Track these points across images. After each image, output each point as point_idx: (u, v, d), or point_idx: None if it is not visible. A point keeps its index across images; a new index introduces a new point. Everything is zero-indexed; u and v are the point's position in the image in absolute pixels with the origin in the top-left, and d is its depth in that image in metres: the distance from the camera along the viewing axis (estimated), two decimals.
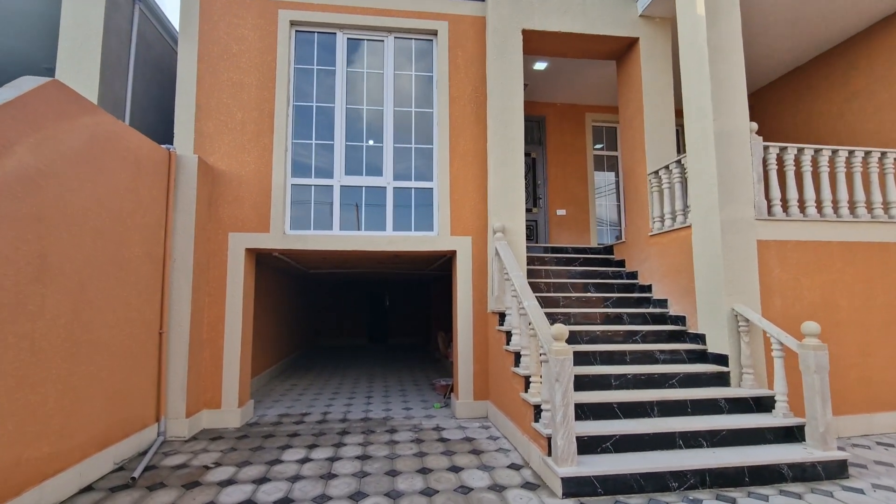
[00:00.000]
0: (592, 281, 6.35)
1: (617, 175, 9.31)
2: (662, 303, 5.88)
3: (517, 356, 4.80)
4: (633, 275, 6.58)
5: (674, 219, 5.89)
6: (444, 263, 7.92)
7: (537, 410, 4.10)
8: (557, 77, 8.14)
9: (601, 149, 9.38)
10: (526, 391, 4.40)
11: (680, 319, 5.52)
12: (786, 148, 5.21)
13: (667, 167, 5.91)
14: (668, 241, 5.81)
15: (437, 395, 7.20)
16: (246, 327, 5.72)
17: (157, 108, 6.71)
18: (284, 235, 5.78)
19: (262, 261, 7.31)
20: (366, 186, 6.15)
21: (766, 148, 5.16)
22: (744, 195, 4.96)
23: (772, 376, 4.78)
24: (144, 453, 4.43)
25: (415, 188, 6.24)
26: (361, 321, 15.99)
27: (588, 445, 3.79)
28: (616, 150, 9.44)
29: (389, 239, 5.93)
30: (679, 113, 8.00)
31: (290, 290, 10.78)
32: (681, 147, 9.01)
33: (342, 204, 6.08)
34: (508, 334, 5.12)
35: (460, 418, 5.78)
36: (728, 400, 4.40)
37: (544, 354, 3.84)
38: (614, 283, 6.40)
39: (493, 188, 5.95)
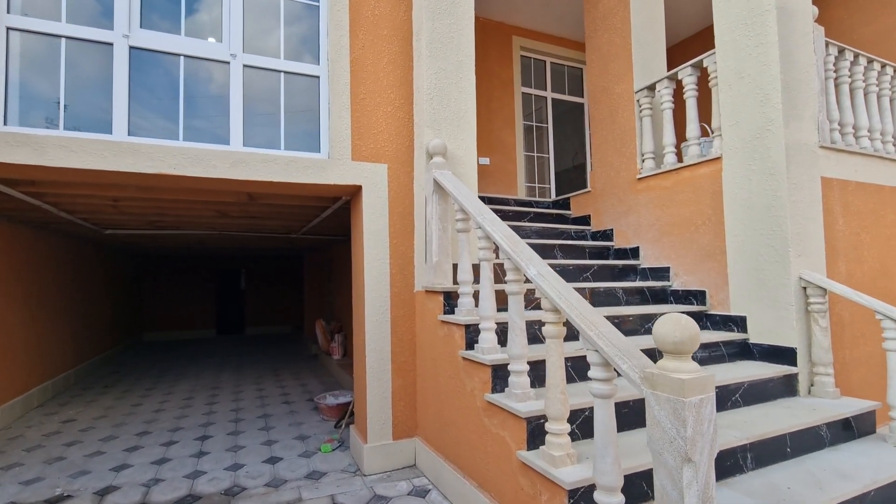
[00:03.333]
0: (556, 243, 4.35)
1: (543, 121, 7.50)
2: (660, 273, 4.13)
3: (495, 372, 2.54)
4: (606, 234, 4.76)
5: (683, 152, 4.13)
6: (332, 217, 5.25)
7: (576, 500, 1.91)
8: None
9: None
10: (529, 449, 2.19)
11: (694, 296, 3.81)
12: (856, 56, 3.72)
13: (672, 78, 4.10)
14: (673, 185, 4.04)
15: (322, 422, 4.64)
16: None
17: None
18: None
19: None
20: (187, 57, 3.23)
21: (826, 46, 3.60)
22: (807, 110, 3.32)
23: (847, 377, 3.29)
24: None
25: (285, 73, 3.49)
26: (207, 307, 12.25)
27: None
28: (545, 90, 7.62)
29: (235, 158, 3.15)
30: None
31: (83, 266, 6.99)
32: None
33: (136, 86, 3.09)
34: (466, 330, 2.83)
35: (371, 475, 3.36)
36: (828, 425, 2.73)
37: (603, 383, 1.66)
38: (584, 246, 4.49)
39: (426, 84, 3.52)
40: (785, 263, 3.16)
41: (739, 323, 3.45)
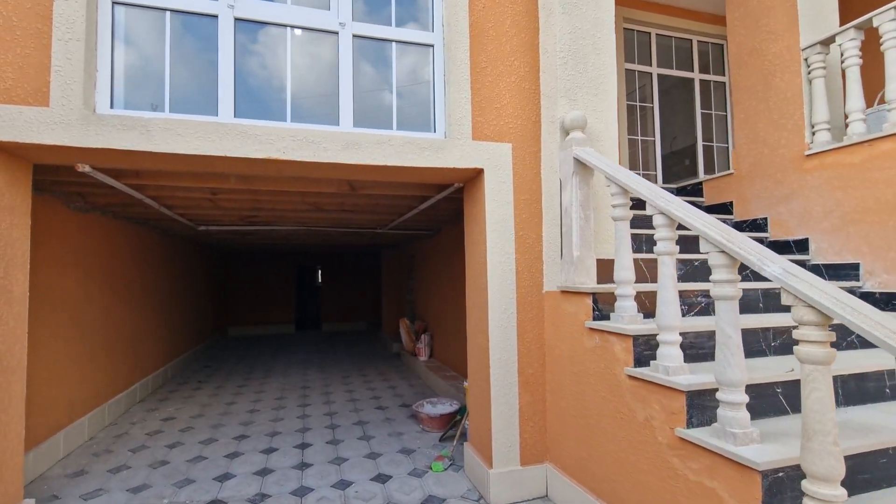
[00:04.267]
0: (695, 235, 3.63)
1: (647, 100, 6.67)
2: (845, 270, 3.31)
3: (691, 401, 1.94)
4: (757, 225, 3.96)
5: (878, 119, 3.29)
6: (426, 210, 4.84)
7: None
8: None
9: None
10: None
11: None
12: None
13: (860, 27, 3.25)
14: (865, 161, 3.20)
15: (423, 433, 4.24)
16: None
17: None
18: (93, 118, 2.43)
19: (67, 190, 3.81)
20: (293, 27, 2.90)
21: None
22: None
23: None
24: None
25: (396, 42, 3.08)
26: (286, 303, 12.45)
27: None
28: (650, 65, 6.78)
29: (347, 140, 2.77)
30: None
31: (180, 262, 7.14)
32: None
33: (242, 61, 2.80)
34: (634, 342, 2.25)
35: None
36: None
37: None
38: None
39: (558, 46, 2.97)
40: None
41: None
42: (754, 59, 4.02)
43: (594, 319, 2.56)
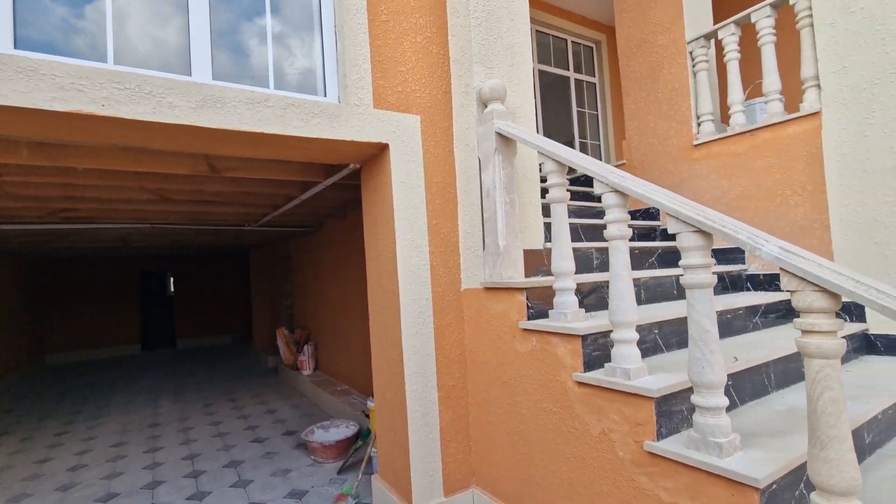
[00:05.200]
0: (598, 223, 3.56)
1: None
2: (731, 255, 3.48)
3: (659, 408, 1.66)
4: (650, 213, 4.05)
5: (756, 110, 3.50)
6: (310, 200, 4.13)
7: None
8: None
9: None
10: None
11: (780, 281, 3.17)
12: None
13: (739, 22, 3.42)
14: (747, 150, 3.39)
15: (315, 466, 3.54)
16: None
17: None
18: None
19: None
20: None
21: None
22: None
23: None
24: None
25: None
26: (128, 318, 10.33)
27: None
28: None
29: (204, 95, 2.01)
30: None
31: None
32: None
33: None
34: (584, 343, 1.94)
35: None
36: None
37: None
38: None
39: (470, 6, 2.56)
40: None
41: (854, 311, 2.86)
42: (642, 51, 4.11)
43: (529, 319, 2.21)
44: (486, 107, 2.50)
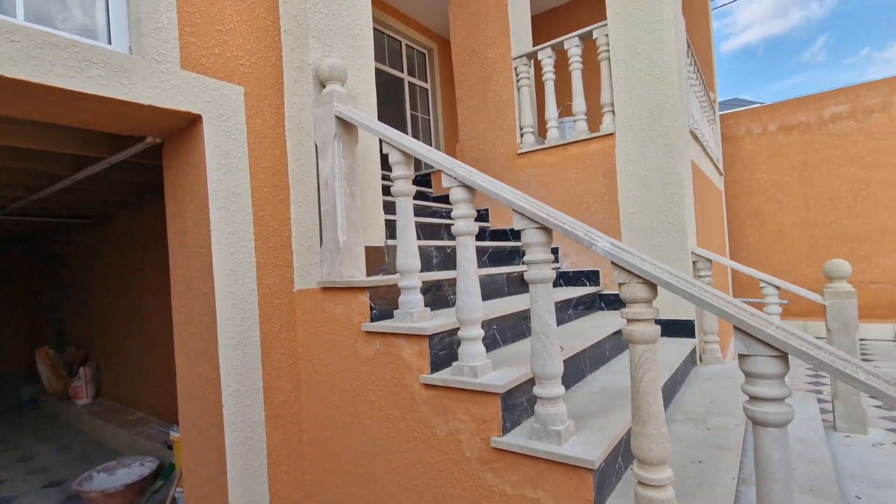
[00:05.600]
0: (433, 221, 3.63)
1: None
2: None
3: (505, 403, 1.66)
4: (480, 215, 4.28)
5: (567, 127, 3.96)
6: (103, 180, 3.26)
7: None
8: None
9: None
10: None
11: (587, 277, 3.67)
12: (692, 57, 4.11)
13: (555, 47, 3.84)
14: (561, 161, 3.82)
15: None
16: None
17: None
18: None
19: None
20: None
21: None
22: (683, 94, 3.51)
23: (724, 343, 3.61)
24: None
25: None
26: None
27: None
28: None
29: None
30: None
31: None
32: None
33: None
34: (430, 342, 1.86)
35: None
36: None
37: None
38: None
39: None
40: (682, 238, 3.24)
41: (592, 278, 3.47)
42: (475, 60, 4.33)
43: (372, 321, 2.05)
44: (324, 87, 2.25)
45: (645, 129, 3.35)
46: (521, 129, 4.06)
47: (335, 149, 2.17)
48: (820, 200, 6.25)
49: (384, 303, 2.10)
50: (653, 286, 1.36)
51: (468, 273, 1.74)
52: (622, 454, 1.71)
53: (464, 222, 1.75)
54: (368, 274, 2.29)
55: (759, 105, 7.06)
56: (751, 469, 1.89)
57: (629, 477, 1.71)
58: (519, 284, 3.21)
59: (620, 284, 1.41)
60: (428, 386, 1.82)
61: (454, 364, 1.77)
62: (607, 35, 3.51)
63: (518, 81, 4.05)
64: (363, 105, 2.48)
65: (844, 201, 6.11)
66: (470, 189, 1.76)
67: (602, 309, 3.54)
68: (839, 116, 6.22)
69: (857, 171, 6.05)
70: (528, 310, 2.47)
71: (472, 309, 1.73)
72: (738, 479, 1.72)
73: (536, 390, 1.59)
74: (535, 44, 4.53)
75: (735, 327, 1.22)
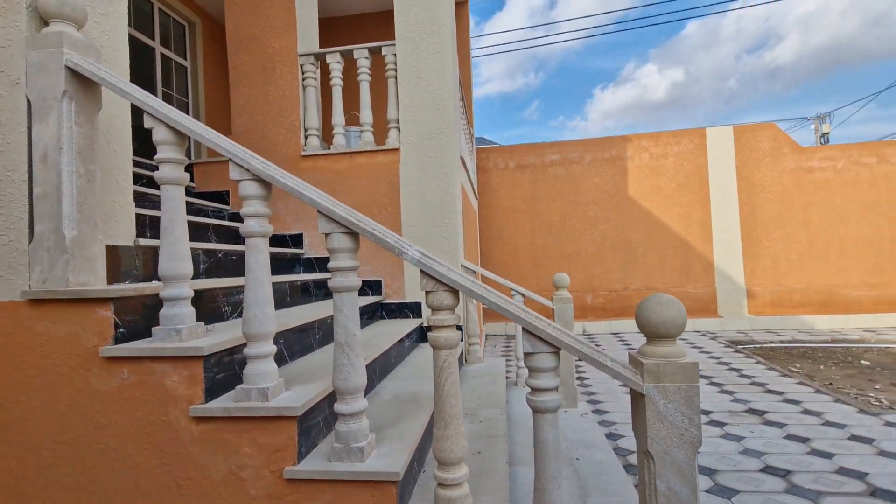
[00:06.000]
0: (198, 220, 3.11)
1: None
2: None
3: (301, 426, 1.48)
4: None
5: (353, 136, 3.92)
6: None
7: None
8: None
9: None
10: None
11: (370, 286, 3.69)
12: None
13: (345, 54, 3.80)
14: (348, 169, 3.78)
15: None
16: None
17: None
18: None
19: None
20: None
21: None
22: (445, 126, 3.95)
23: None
24: None
25: None
26: None
27: None
28: None
29: None
30: None
31: None
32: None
33: None
34: (206, 364, 1.52)
35: None
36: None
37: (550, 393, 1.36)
38: (231, 228, 3.45)
39: None
40: (455, 251, 3.61)
41: (414, 309, 3.65)
42: (255, 47, 3.92)
43: (118, 342, 1.56)
44: (46, 24, 1.65)
45: (427, 149, 3.62)
46: (306, 130, 3.86)
47: (64, 111, 1.60)
48: (542, 227, 7.95)
49: (136, 319, 1.64)
50: (457, 294, 1.44)
51: (260, 281, 1.51)
52: (417, 459, 1.74)
53: (256, 222, 1.52)
54: (111, 281, 1.76)
55: (501, 145, 8.58)
56: (514, 452, 2.19)
57: (423, 480, 1.75)
58: (302, 294, 3.00)
59: (428, 292, 1.44)
60: (201, 419, 1.49)
61: (238, 388, 1.50)
62: (395, 55, 3.67)
63: (304, 81, 3.85)
64: (112, 63, 1.92)
65: (556, 229, 7.93)
66: (266, 185, 1.54)
67: (384, 318, 3.61)
68: (554, 163, 8.07)
69: (564, 206, 7.94)
70: (317, 321, 2.33)
71: (264, 322, 1.50)
72: (509, 461, 1.96)
73: (339, 407, 1.47)
74: (322, 46, 4.39)
75: (524, 329, 1.38)
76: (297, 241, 3.79)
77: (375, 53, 3.79)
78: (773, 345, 6.20)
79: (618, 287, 7.78)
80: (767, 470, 2.78)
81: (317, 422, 1.61)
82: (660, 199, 7.70)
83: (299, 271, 3.65)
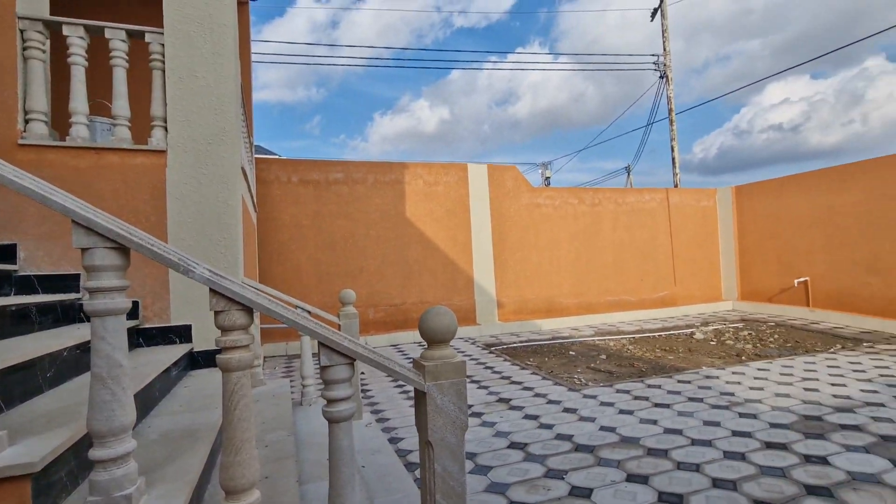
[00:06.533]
0: None
1: None
2: (61, 283, 2.97)
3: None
4: None
5: (100, 128, 3.23)
6: None
7: None
8: None
9: None
10: None
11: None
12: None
13: (93, 30, 3.14)
14: (93, 168, 3.10)
15: None
16: None
17: None
18: None
19: None
20: None
21: None
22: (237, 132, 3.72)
23: None
24: None
25: None
26: None
27: None
28: None
29: None
30: None
31: None
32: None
33: None
34: None
35: None
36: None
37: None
38: None
39: None
40: (235, 268, 3.37)
41: (183, 334, 3.24)
42: None
43: None
44: None
45: (202, 155, 3.29)
46: (27, 112, 3.03)
47: None
48: (326, 243, 7.94)
49: None
50: (251, 312, 1.40)
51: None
52: (197, 498, 1.58)
53: None
54: None
55: (283, 157, 8.27)
56: (304, 471, 2.17)
57: None
58: (19, 322, 2.33)
59: (217, 312, 1.37)
60: None
61: None
62: (163, 45, 3.25)
63: (27, 51, 3.03)
64: None
65: (340, 246, 8.03)
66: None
67: (142, 345, 3.07)
68: (339, 181, 8.20)
69: (348, 224, 8.13)
70: (46, 356, 1.90)
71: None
72: (299, 480, 1.95)
73: (97, 453, 1.25)
74: (61, 14, 3.51)
75: (320, 343, 1.45)
76: (6, 253, 2.91)
77: (137, 38, 3.27)
78: (515, 345, 7.62)
79: (397, 301, 8.34)
80: (512, 446, 3.44)
81: (59, 477, 1.31)
82: (432, 222, 8.65)
83: (9, 293, 2.80)
